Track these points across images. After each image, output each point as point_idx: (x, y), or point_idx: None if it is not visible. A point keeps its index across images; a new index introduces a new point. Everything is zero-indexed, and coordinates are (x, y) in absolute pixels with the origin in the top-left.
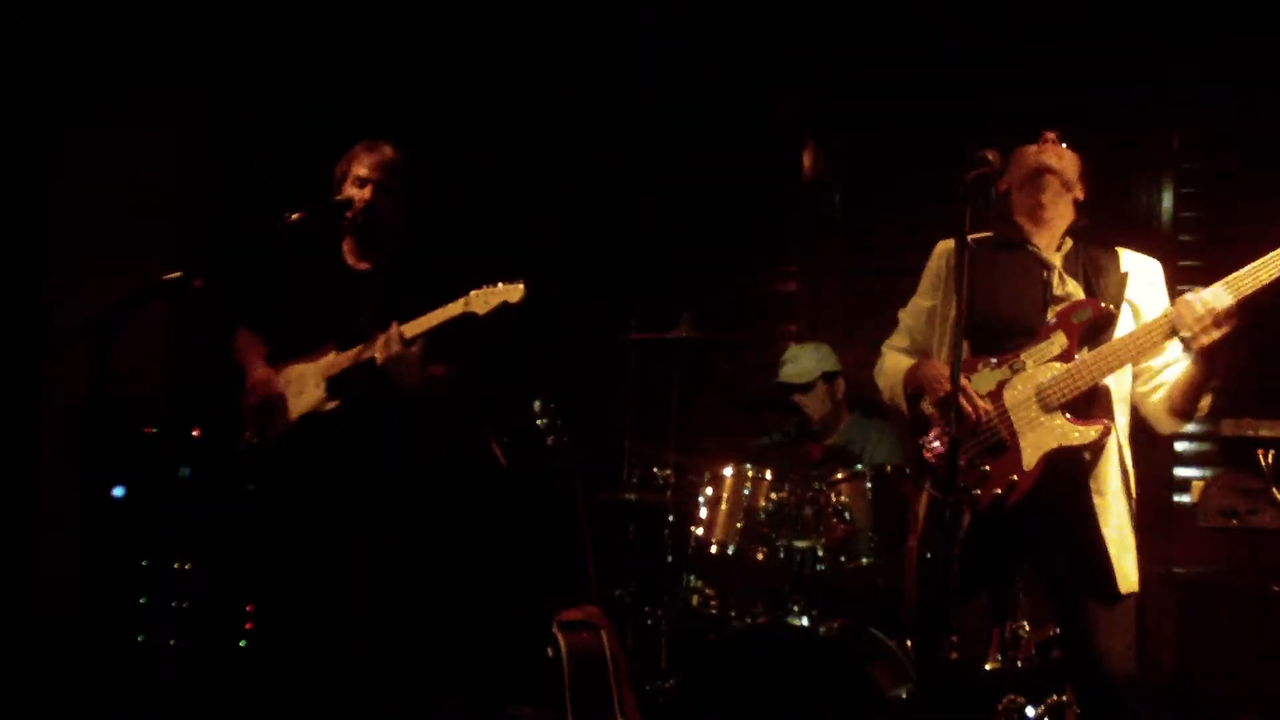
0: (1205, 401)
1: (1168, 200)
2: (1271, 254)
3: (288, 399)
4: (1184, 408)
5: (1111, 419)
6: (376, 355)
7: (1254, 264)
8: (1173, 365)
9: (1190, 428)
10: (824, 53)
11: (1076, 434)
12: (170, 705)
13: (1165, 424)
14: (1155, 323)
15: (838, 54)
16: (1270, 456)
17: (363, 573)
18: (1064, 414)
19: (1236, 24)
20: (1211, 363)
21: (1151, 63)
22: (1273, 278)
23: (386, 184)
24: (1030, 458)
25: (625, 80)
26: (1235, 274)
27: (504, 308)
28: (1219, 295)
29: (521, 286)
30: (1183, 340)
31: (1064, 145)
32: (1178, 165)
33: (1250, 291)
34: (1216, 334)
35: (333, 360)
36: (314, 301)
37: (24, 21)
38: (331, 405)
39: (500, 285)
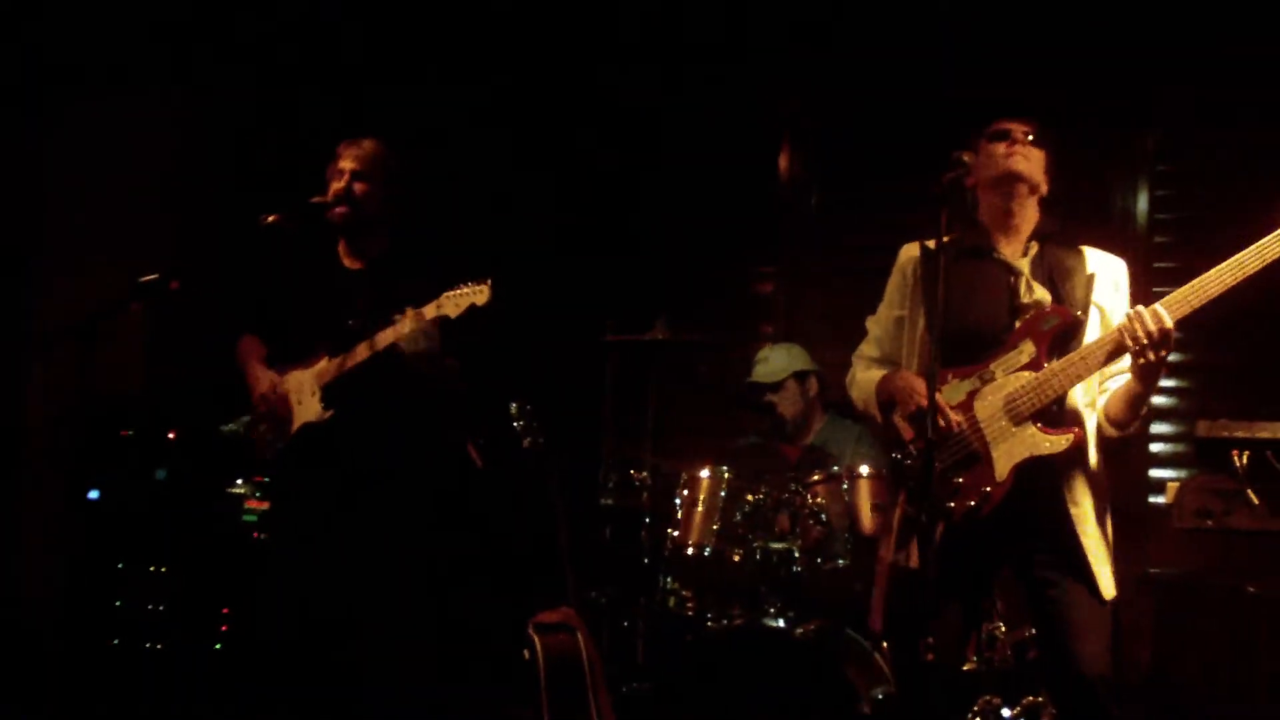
0: (1138, 421)
1: (1143, 202)
2: (1202, 278)
3: (292, 410)
4: (1120, 419)
5: (1081, 427)
6: (403, 345)
7: (1186, 287)
8: (1119, 375)
9: (1165, 429)
10: (803, 55)
11: (1048, 443)
12: (146, 708)
13: (1107, 430)
14: (1110, 336)
15: (817, 56)
16: (1245, 458)
17: (371, 584)
18: (1034, 424)
19: (1212, 27)
20: (1147, 380)
21: (1128, 66)
22: (1204, 300)
23: (365, 173)
24: (1003, 468)
25: (603, 80)
26: (1170, 295)
27: (473, 310)
28: (1161, 315)
29: (487, 287)
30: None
31: (1030, 140)
32: (1153, 167)
33: (1181, 315)
34: (1153, 356)
35: (325, 366)
36: (308, 304)
37: (23, 20)
38: (328, 414)
39: (468, 286)
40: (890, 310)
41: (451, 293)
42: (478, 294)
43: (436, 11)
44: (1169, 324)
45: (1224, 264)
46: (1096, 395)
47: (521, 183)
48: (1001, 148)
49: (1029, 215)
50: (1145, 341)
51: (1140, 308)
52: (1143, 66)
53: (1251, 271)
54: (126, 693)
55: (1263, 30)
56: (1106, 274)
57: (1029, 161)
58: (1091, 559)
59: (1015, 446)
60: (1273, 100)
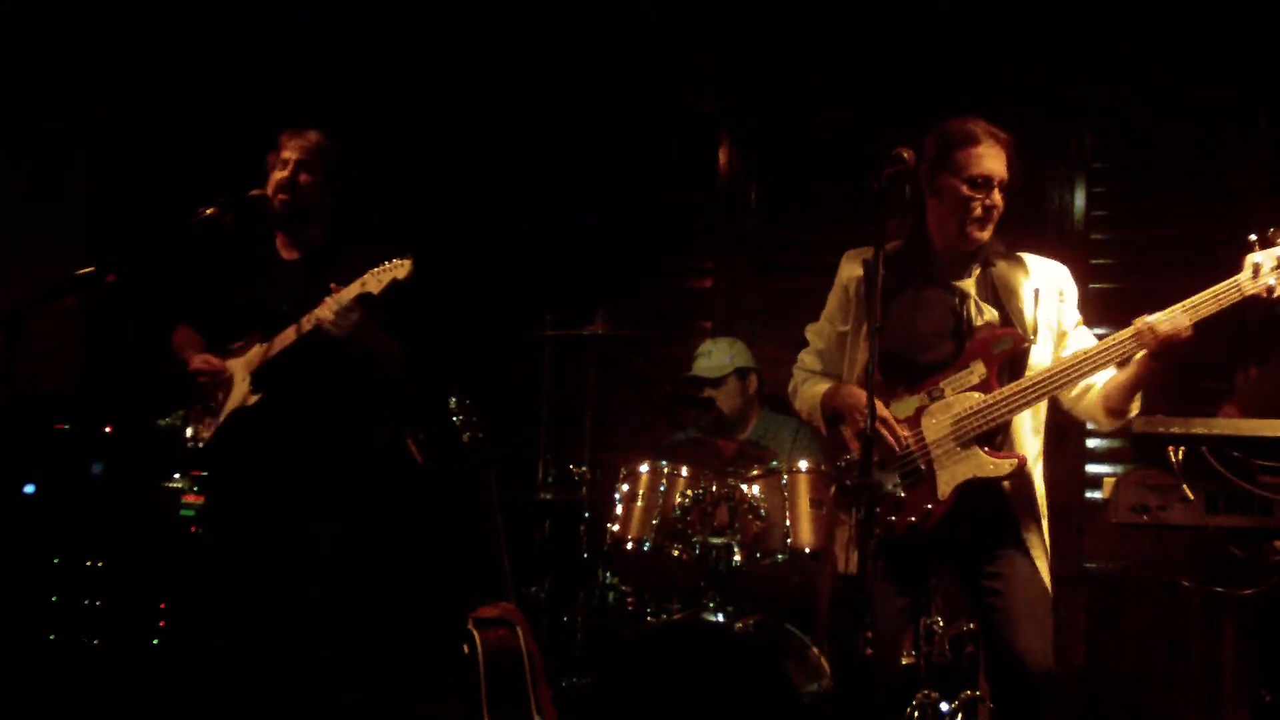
0: (1138, 401)
1: (1080, 199)
2: (1220, 285)
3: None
4: (1122, 407)
5: (1025, 451)
6: (329, 327)
7: (1205, 292)
8: (1099, 374)
9: None
10: (739, 52)
11: (992, 466)
12: (84, 704)
13: (1104, 423)
14: (1115, 345)
15: (753, 53)
16: (1180, 453)
17: (309, 580)
18: (980, 446)
19: (1145, 26)
20: (1157, 371)
21: (1063, 63)
22: (1220, 308)
23: (309, 164)
24: (945, 488)
25: (542, 77)
26: (1191, 300)
27: (395, 285)
28: (1179, 318)
29: (409, 262)
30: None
31: (996, 139)
32: (1089, 165)
33: (1203, 316)
34: (1171, 354)
35: (255, 352)
36: (245, 296)
37: None
38: (254, 399)
39: (391, 262)
40: (833, 326)
41: (375, 269)
42: (399, 268)
43: (356, 9)
44: (1185, 324)
45: (1176, 308)
46: (1045, 416)
47: (460, 176)
48: (964, 187)
49: (984, 234)
50: (1167, 343)
51: (1156, 316)
52: (1078, 63)
53: (1205, 315)
54: (64, 689)
55: (1197, 26)
56: (1050, 284)
57: (999, 161)
58: (1040, 566)
59: (960, 467)
60: (1208, 96)
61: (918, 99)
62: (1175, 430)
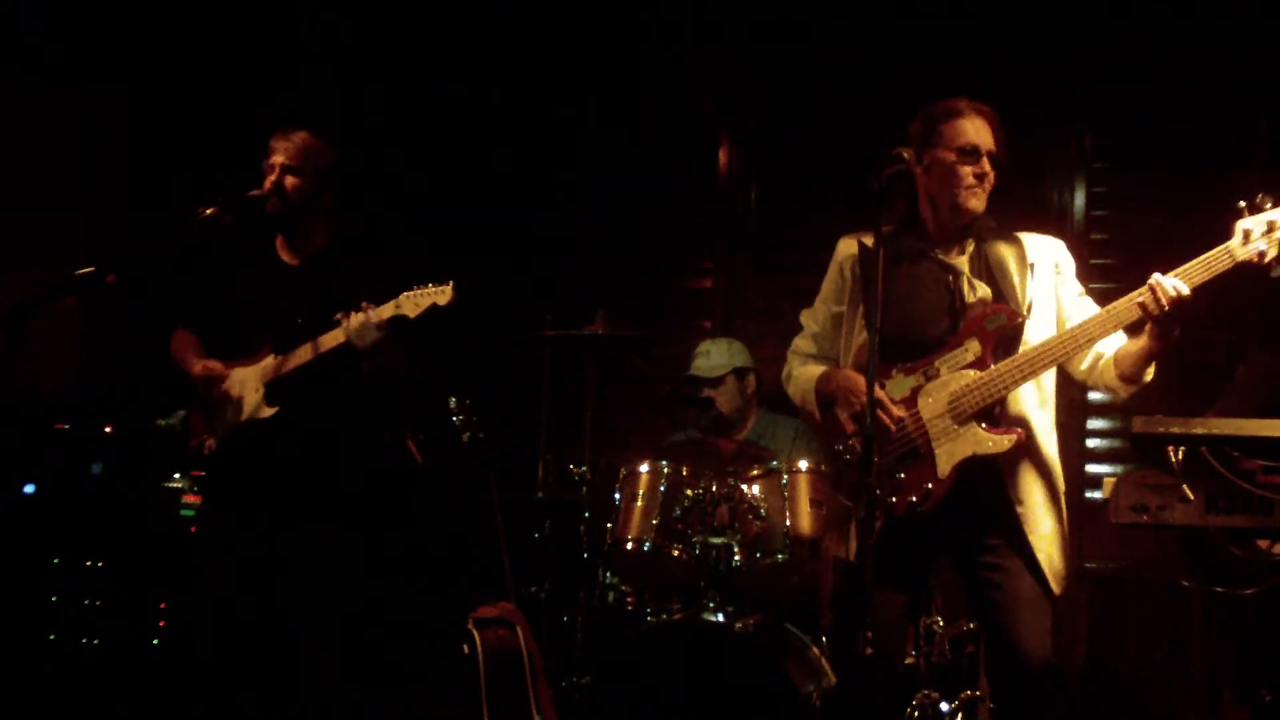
0: (1152, 368)
1: (1080, 199)
2: (1211, 251)
3: (235, 401)
4: (1136, 373)
5: (1026, 427)
6: (353, 340)
7: (1197, 260)
8: (1109, 339)
9: (1102, 424)
10: (739, 52)
11: (990, 443)
12: (83, 704)
13: (1120, 389)
14: (1118, 312)
15: (753, 54)
16: (1180, 454)
17: (309, 581)
18: (978, 423)
19: (1145, 26)
20: (1169, 337)
21: (1063, 63)
22: (1212, 274)
23: (297, 166)
24: (944, 466)
25: (541, 77)
26: (1183, 268)
27: (434, 310)
28: (1180, 284)
29: (450, 289)
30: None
31: (980, 112)
32: (1089, 165)
33: (1197, 283)
34: (1175, 316)
35: (269, 364)
36: (245, 299)
37: None
38: (269, 412)
39: (430, 287)
40: (827, 307)
41: (411, 293)
42: (440, 294)
43: (360, 12)
44: (1186, 291)
45: (1169, 274)
46: (1054, 385)
47: (460, 176)
48: (957, 122)
49: (978, 202)
50: (1172, 306)
51: (1158, 279)
52: (1078, 63)
53: (1198, 282)
54: (64, 689)
55: (1197, 26)
56: (1045, 259)
57: (985, 132)
58: (1040, 554)
59: (958, 445)
60: (1208, 96)
61: (918, 99)
62: (1175, 430)
